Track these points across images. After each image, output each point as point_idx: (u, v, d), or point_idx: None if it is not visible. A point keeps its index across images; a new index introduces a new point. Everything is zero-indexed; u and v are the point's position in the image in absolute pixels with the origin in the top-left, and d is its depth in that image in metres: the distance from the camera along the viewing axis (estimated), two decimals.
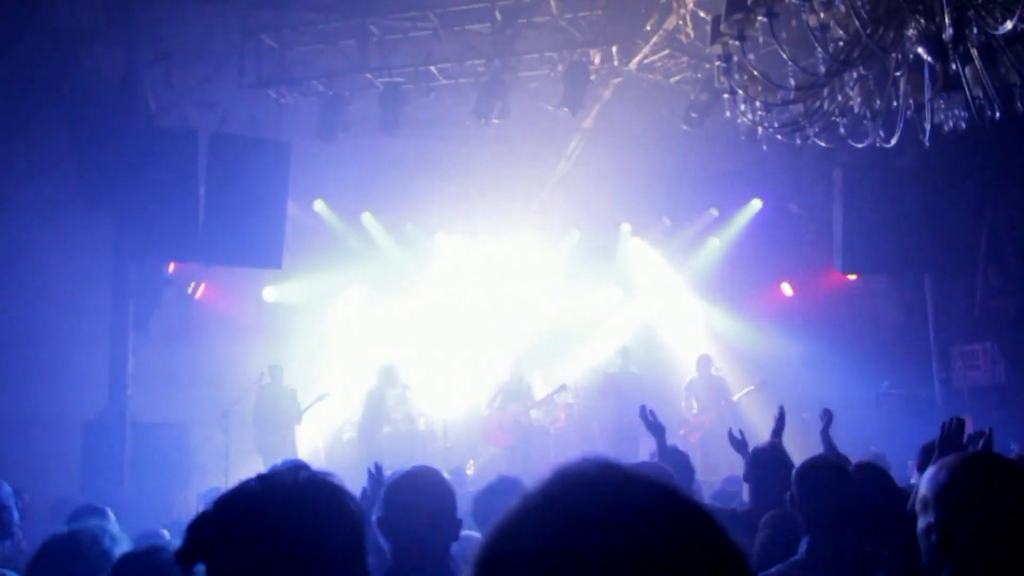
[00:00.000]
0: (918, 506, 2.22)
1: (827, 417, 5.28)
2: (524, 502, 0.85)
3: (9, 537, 4.44)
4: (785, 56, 4.86)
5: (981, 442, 4.03)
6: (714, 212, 13.46)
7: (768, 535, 3.43)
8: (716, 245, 13.46)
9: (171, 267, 10.51)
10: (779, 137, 5.94)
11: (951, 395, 10.77)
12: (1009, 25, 4.33)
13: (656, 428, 4.94)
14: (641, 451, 11.25)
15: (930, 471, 2.22)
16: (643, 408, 5.05)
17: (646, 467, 3.44)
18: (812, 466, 3.22)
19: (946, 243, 10.46)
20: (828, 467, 3.24)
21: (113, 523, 4.43)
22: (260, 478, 1.68)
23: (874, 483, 3.53)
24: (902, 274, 11.18)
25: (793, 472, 3.23)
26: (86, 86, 9.32)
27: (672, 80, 9.38)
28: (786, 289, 13.23)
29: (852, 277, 11.71)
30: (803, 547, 3.05)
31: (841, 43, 5.38)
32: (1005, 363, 10.86)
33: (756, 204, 13.15)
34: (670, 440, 8.04)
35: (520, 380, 11.75)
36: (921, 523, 2.20)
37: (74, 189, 9.16)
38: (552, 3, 8.95)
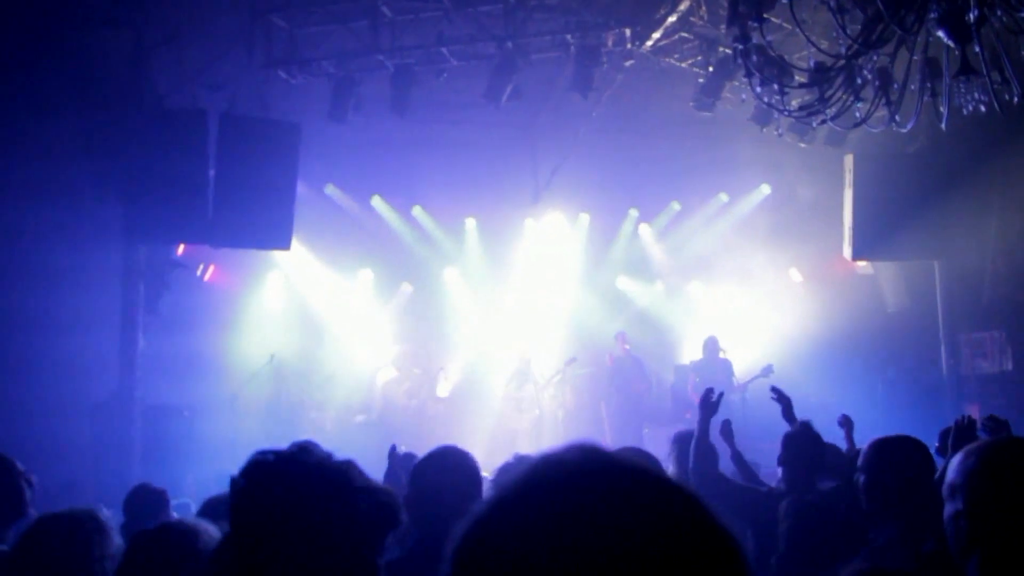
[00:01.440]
0: (945, 492, 2.19)
1: (847, 425, 5.15)
2: (503, 492, 0.82)
3: (22, 517, 4.44)
4: (805, 37, 4.81)
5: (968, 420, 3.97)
6: (723, 197, 13.42)
7: (794, 521, 3.39)
8: (725, 230, 13.41)
9: (180, 249, 10.49)
10: (794, 119, 5.90)
11: (958, 383, 10.76)
12: None
13: (706, 408, 4.53)
14: (645, 436, 11.31)
15: (958, 457, 2.19)
16: (725, 423, 4.84)
17: (631, 452, 3.39)
18: (890, 446, 3.08)
19: (956, 231, 10.42)
20: (909, 445, 3.10)
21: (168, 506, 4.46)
22: (298, 449, 1.68)
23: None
24: (911, 261, 11.15)
25: (868, 453, 3.09)
26: (95, 68, 9.27)
27: (685, 63, 9.31)
28: (794, 275, 13.19)
29: (861, 264, 11.69)
30: (890, 529, 2.94)
31: (867, 26, 5.34)
32: (1013, 352, 10.83)
33: (765, 189, 13.11)
34: (679, 426, 8.01)
35: (529, 363, 11.78)
36: (949, 510, 2.16)
37: (83, 171, 9.13)
38: None
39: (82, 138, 9.20)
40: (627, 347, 11.97)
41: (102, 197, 9.08)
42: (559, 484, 0.80)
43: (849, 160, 10.39)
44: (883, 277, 12.12)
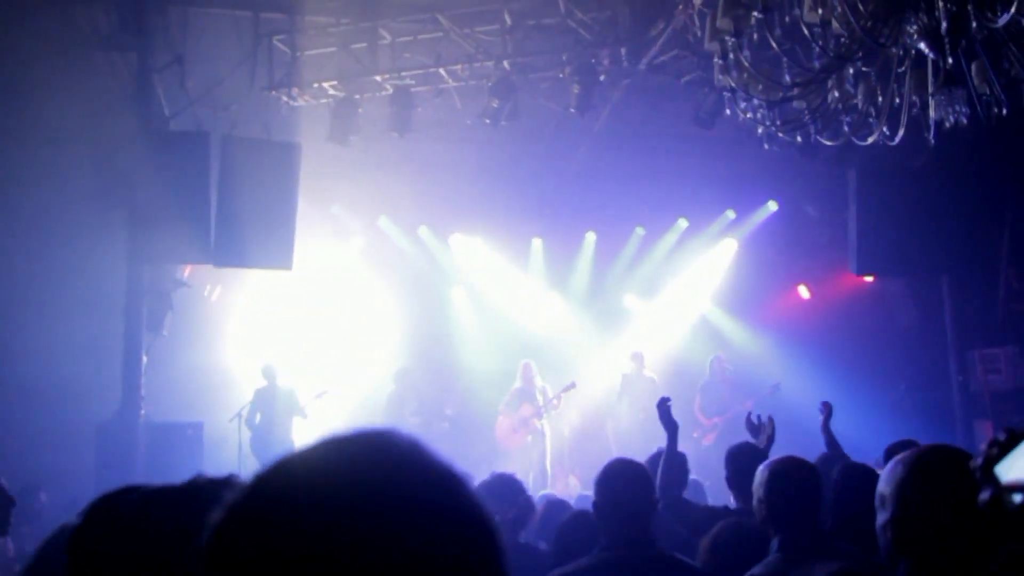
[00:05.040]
0: (876, 502, 2.19)
1: (826, 410, 5.26)
2: (265, 472, 0.82)
3: (2, 536, 4.47)
4: (777, 51, 4.81)
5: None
6: (730, 214, 13.38)
7: (723, 531, 3.40)
8: (732, 247, 13.37)
9: (187, 270, 10.61)
10: (781, 135, 5.90)
11: (969, 399, 10.61)
12: (1007, 17, 4.26)
13: (670, 424, 4.81)
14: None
15: (888, 466, 2.19)
16: (661, 400, 4.99)
17: (623, 463, 3.44)
18: (782, 467, 3.18)
19: (964, 245, 10.30)
20: (798, 468, 3.20)
21: None
22: None
23: (861, 483, 3.47)
24: (918, 276, 11.04)
25: (759, 473, 3.18)
26: (101, 91, 9.45)
27: (682, 80, 9.32)
28: (803, 292, 13.10)
29: (868, 279, 11.59)
30: (774, 547, 3.01)
31: (842, 39, 5.33)
32: None
33: (772, 206, 13.06)
34: (684, 444, 8.00)
35: (531, 382, 11.75)
36: (879, 519, 2.16)
37: (89, 192, 9.28)
38: (561, 4, 8.95)
39: (89, 159, 9.36)
40: (639, 366, 11.91)
41: (107, 219, 9.22)
42: (320, 467, 0.81)
43: (852, 176, 10.33)
44: (891, 292, 12.01)
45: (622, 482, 3.24)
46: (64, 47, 9.13)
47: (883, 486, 2.18)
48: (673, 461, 4.52)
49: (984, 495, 1.18)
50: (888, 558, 2.16)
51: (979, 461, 1.22)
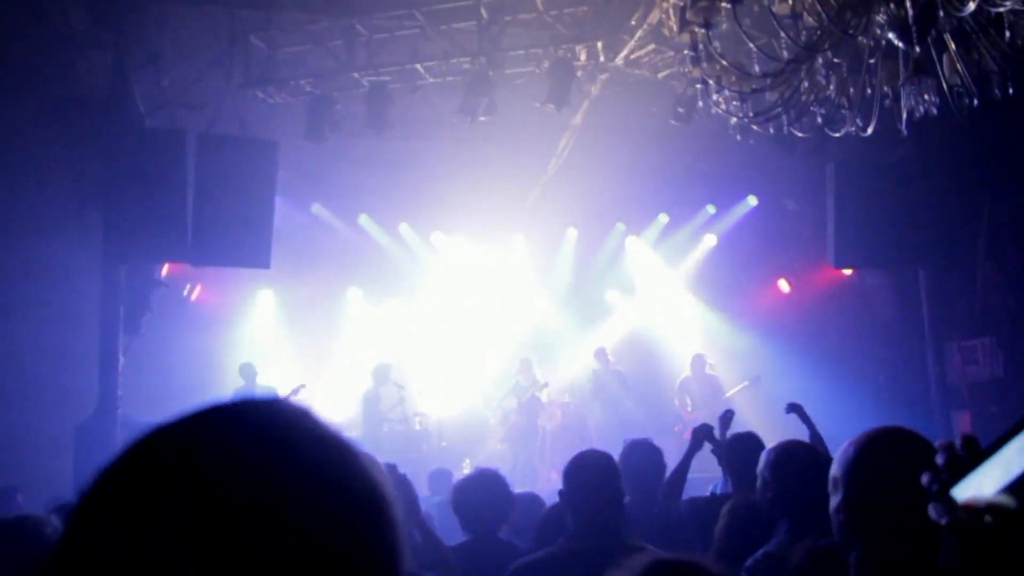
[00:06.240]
0: (829, 486, 2.18)
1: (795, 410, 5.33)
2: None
3: None
4: (749, 44, 4.82)
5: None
6: (711, 209, 13.42)
7: (730, 521, 3.41)
8: (713, 242, 13.41)
9: (165, 269, 10.54)
10: (754, 127, 5.91)
11: (947, 390, 10.67)
12: (972, 6, 4.29)
13: (696, 440, 5.05)
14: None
15: (840, 449, 2.18)
16: (704, 426, 5.18)
17: (596, 455, 3.47)
18: (787, 449, 3.20)
19: (941, 237, 10.36)
20: (803, 450, 3.24)
21: None
22: None
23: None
24: (895, 268, 11.10)
25: (765, 456, 3.20)
26: (77, 89, 9.38)
27: (660, 75, 9.34)
28: (783, 285, 13.16)
29: (847, 272, 11.65)
30: (783, 528, 3.02)
31: (815, 30, 5.35)
32: (1004, 358, 10.74)
33: (752, 201, 13.11)
34: (665, 437, 8.01)
35: (529, 378, 11.79)
36: (832, 503, 2.16)
37: (65, 191, 9.21)
38: (538, 0, 8.95)
39: (65, 158, 9.28)
40: (610, 359, 11.96)
41: (84, 216, 9.14)
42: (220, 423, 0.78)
43: (830, 169, 10.37)
44: (870, 285, 12.08)
45: (590, 473, 3.29)
46: (38, 45, 9.06)
47: (835, 469, 2.17)
48: (684, 469, 4.76)
49: (944, 520, 1.16)
50: (842, 541, 2.15)
51: (934, 487, 1.19)
